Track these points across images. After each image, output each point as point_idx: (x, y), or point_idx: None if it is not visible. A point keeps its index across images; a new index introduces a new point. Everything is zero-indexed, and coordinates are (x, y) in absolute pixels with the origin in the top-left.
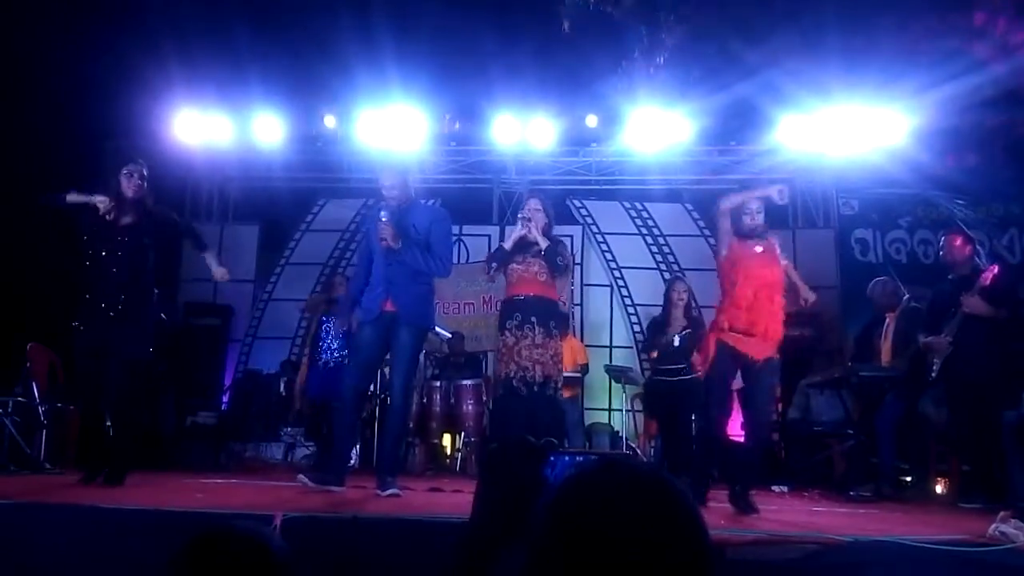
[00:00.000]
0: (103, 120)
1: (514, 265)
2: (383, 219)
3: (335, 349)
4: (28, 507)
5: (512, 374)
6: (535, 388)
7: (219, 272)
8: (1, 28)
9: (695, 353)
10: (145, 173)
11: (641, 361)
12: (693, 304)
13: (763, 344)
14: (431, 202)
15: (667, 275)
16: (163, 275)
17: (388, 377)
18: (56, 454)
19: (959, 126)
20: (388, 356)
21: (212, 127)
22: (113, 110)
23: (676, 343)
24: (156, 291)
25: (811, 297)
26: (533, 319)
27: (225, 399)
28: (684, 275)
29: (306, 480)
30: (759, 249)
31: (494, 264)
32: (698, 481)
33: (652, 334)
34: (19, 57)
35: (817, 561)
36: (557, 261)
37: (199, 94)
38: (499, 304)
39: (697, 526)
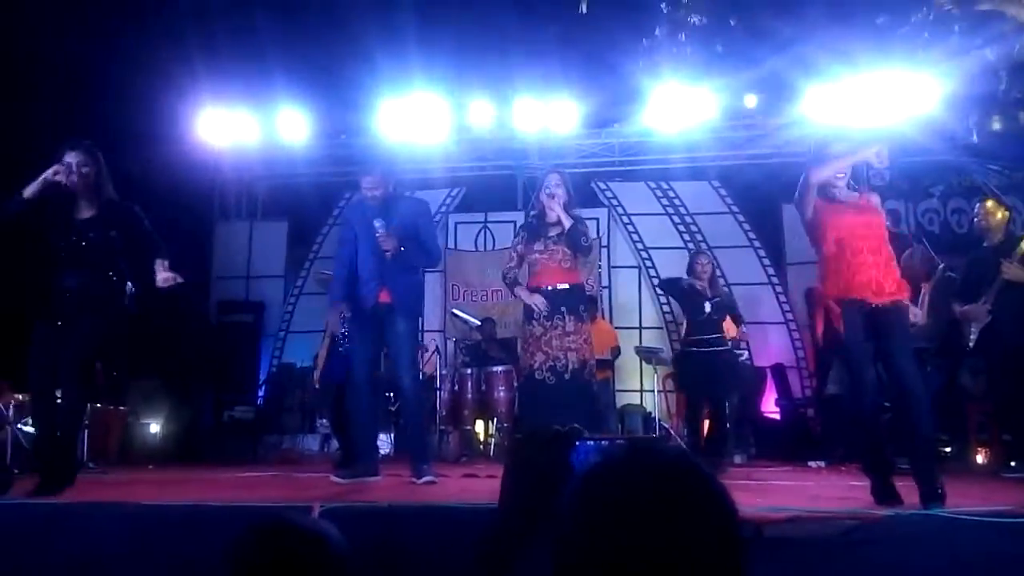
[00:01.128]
0: (125, 120)
1: (536, 255)
2: (379, 229)
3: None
4: (72, 506)
5: (538, 364)
6: (567, 376)
7: (163, 277)
8: (18, 23)
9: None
10: (89, 159)
11: (672, 341)
12: (718, 275)
13: (887, 294)
14: (411, 193)
15: None
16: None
17: (393, 368)
18: (98, 453)
19: (990, 91)
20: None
21: (237, 125)
22: (136, 110)
23: (708, 309)
24: (130, 285)
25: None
26: (563, 309)
27: (261, 393)
28: (712, 253)
29: (338, 479)
30: (850, 201)
31: (510, 279)
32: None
33: (675, 285)
34: (37, 54)
35: (857, 536)
36: (581, 242)
37: (222, 91)
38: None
39: (726, 511)
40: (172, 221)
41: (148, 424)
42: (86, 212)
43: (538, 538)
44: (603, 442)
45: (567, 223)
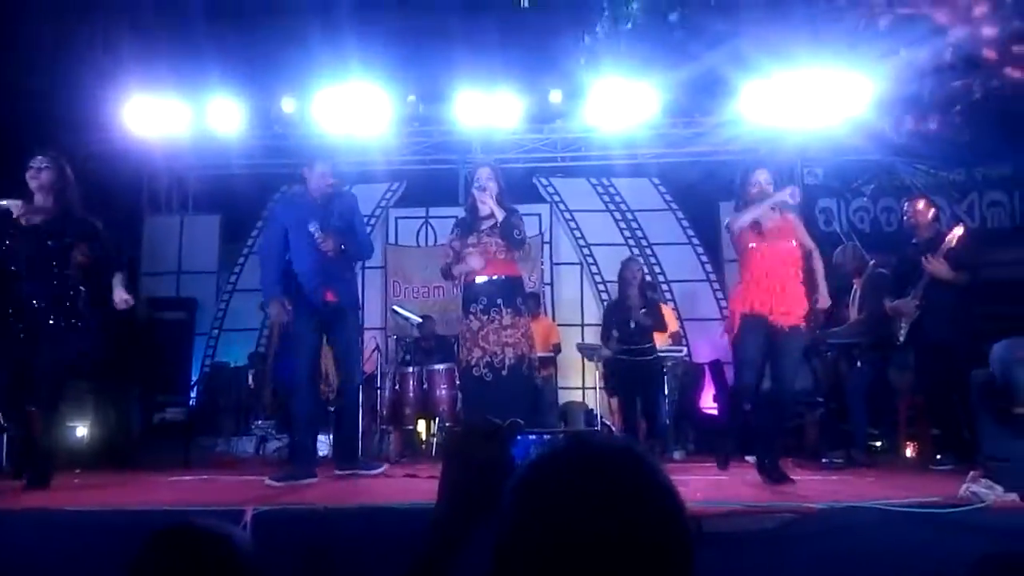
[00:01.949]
0: (47, 110)
1: (470, 248)
2: (315, 233)
3: None
4: None
5: (475, 360)
6: (504, 372)
7: (120, 297)
8: None
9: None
10: (55, 166)
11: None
12: (648, 281)
13: (786, 317)
14: (346, 187)
15: (636, 251)
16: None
17: (341, 365)
18: (18, 459)
19: (919, 92)
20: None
21: (167, 115)
22: (57, 98)
23: (632, 326)
24: (83, 289)
25: (824, 303)
26: (499, 301)
27: (193, 394)
28: (653, 250)
29: (273, 482)
30: (770, 226)
31: (451, 273)
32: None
33: (608, 318)
34: None
35: (793, 529)
36: (514, 235)
37: (151, 78)
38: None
39: (672, 501)
40: (98, 214)
41: (74, 427)
42: (41, 220)
43: (478, 533)
44: (544, 436)
45: (500, 215)
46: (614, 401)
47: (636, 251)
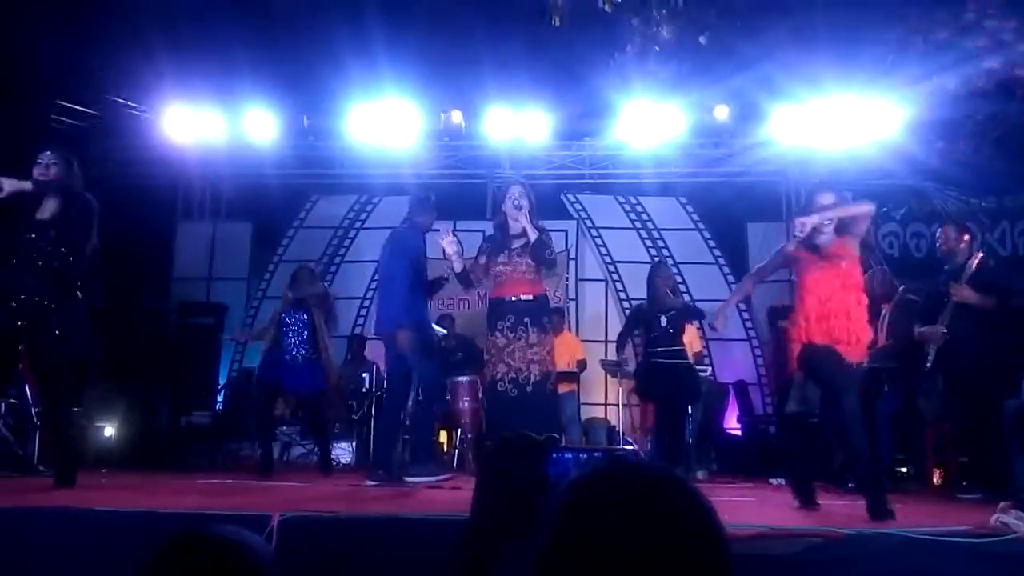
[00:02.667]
0: (88, 117)
1: (500, 266)
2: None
3: (300, 344)
4: (22, 511)
5: (500, 375)
6: (529, 388)
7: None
8: None
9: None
10: (62, 161)
11: (636, 355)
12: (678, 289)
13: (849, 348)
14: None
15: None
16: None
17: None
18: (49, 456)
19: (951, 118)
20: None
21: (203, 124)
22: (100, 106)
23: (664, 323)
24: (80, 283)
25: (864, 209)
26: (527, 320)
27: (220, 398)
28: (678, 268)
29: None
30: (827, 250)
31: (471, 280)
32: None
33: (632, 325)
34: None
35: (820, 554)
36: (545, 255)
37: (189, 89)
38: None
39: (712, 526)
40: (134, 219)
41: (102, 427)
42: (45, 213)
43: (513, 545)
44: (581, 454)
45: (532, 235)
46: (638, 417)
47: None
